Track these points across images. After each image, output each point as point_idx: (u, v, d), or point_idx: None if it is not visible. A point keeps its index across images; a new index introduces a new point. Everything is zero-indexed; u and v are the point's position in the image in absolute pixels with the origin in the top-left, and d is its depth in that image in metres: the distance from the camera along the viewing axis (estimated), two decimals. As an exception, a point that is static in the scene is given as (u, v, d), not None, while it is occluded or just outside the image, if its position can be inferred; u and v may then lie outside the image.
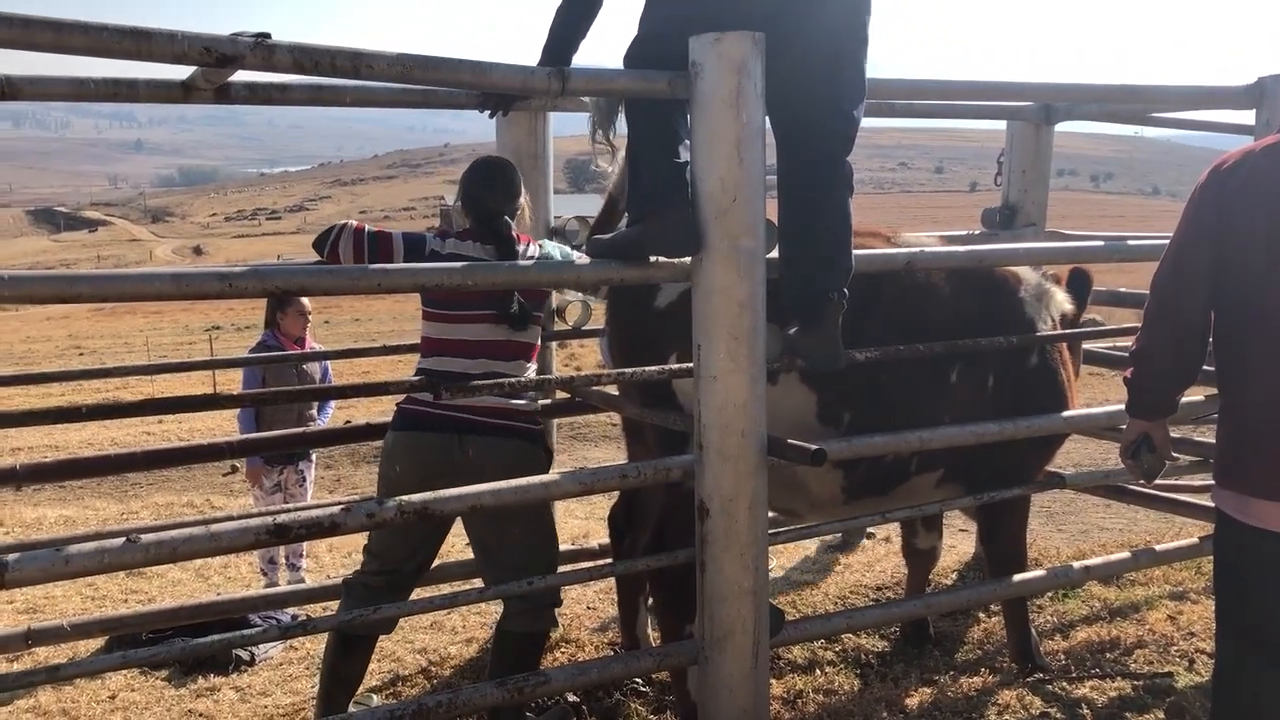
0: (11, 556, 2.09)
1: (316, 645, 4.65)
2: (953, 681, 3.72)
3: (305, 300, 5.93)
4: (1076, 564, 3.84)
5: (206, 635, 3.90)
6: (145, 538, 2.25)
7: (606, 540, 4.12)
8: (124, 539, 2.22)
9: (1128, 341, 5.44)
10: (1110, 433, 5.05)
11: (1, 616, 5.53)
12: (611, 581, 4.36)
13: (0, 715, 4.03)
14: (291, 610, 4.81)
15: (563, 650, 4.18)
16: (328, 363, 6.23)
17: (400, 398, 3.33)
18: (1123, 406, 2.83)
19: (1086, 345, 4.74)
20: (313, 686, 4.18)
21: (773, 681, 3.65)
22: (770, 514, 3.00)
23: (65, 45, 2.04)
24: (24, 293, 2.11)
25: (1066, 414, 3.61)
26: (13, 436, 13.65)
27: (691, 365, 2.76)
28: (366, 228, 3.16)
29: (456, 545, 6.52)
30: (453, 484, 2.70)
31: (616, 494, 4.02)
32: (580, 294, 3.85)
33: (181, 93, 2.99)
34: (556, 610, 3.39)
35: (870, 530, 5.83)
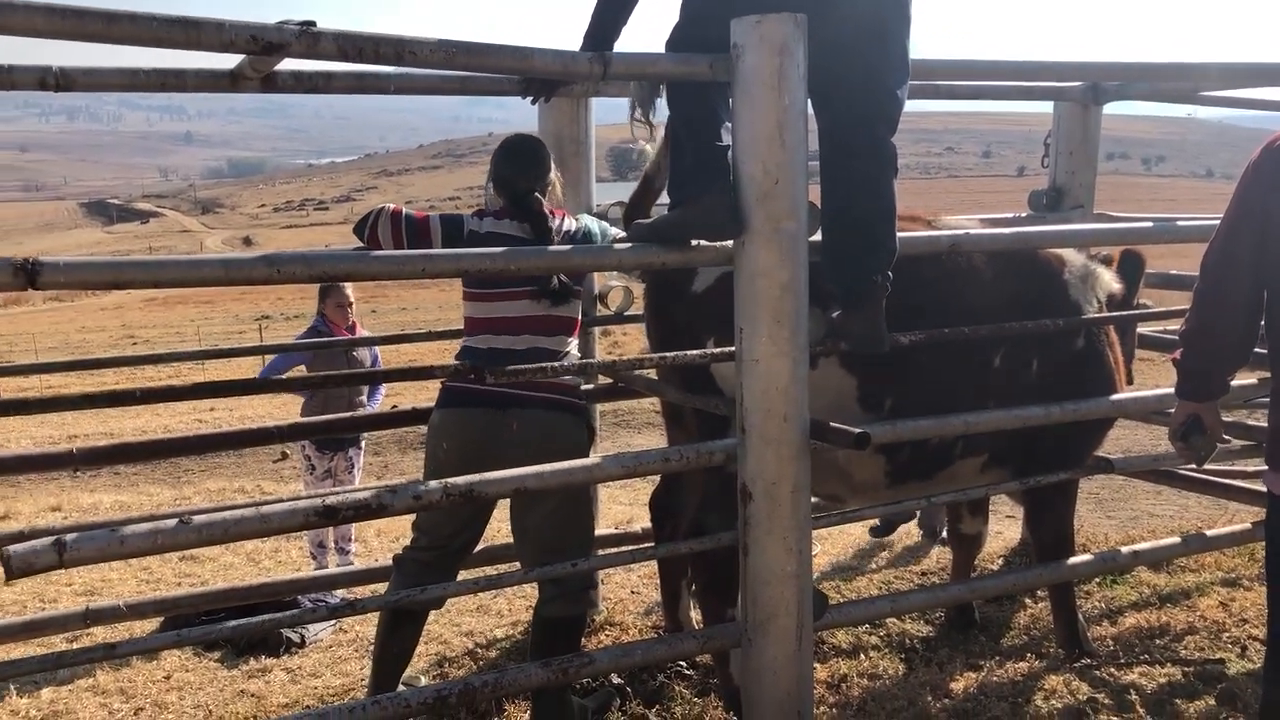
0: (70, 536, 2.15)
1: (365, 628, 4.72)
2: (998, 666, 3.70)
3: (347, 290, 5.99)
4: (1125, 549, 3.79)
5: (258, 617, 3.99)
6: (197, 519, 2.29)
7: (650, 525, 4.13)
8: (177, 520, 2.27)
9: (1178, 325, 5.37)
10: (1160, 417, 4.99)
11: (60, 598, 5.67)
12: (655, 565, 4.38)
13: (61, 694, 4.14)
14: (340, 592, 4.88)
15: (607, 633, 4.21)
16: (378, 350, 6.29)
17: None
18: (1172, 389, 2.79)
19: (1139, 329, 4.67)
20: (362, 668, 4.25)
21: (816, 665, 3.65)
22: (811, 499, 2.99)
23: (115, 35, 2.08)
24: (77, 278, 2.15)
25: (1114, 398, 3.56)
26: (69, 424, 13.98)
27: (732, 349, 2.76)
28: (404, 211, 3.19)
29: (502, 530, 6.59)
30: (499, 458, 2.72)
31: (659, 478, 4.02)
32: (622, 278, 3.85)
33: (229, 82, 3.03)
34: (598, 593, 3.39)
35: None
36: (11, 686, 4.10)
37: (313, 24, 2.27)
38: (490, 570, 3.90)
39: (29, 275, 2.04)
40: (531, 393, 3.19)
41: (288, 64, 2.81)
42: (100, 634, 4.39)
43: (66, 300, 49.27)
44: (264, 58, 2.60)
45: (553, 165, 3.37)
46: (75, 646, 4.41)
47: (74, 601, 5.55)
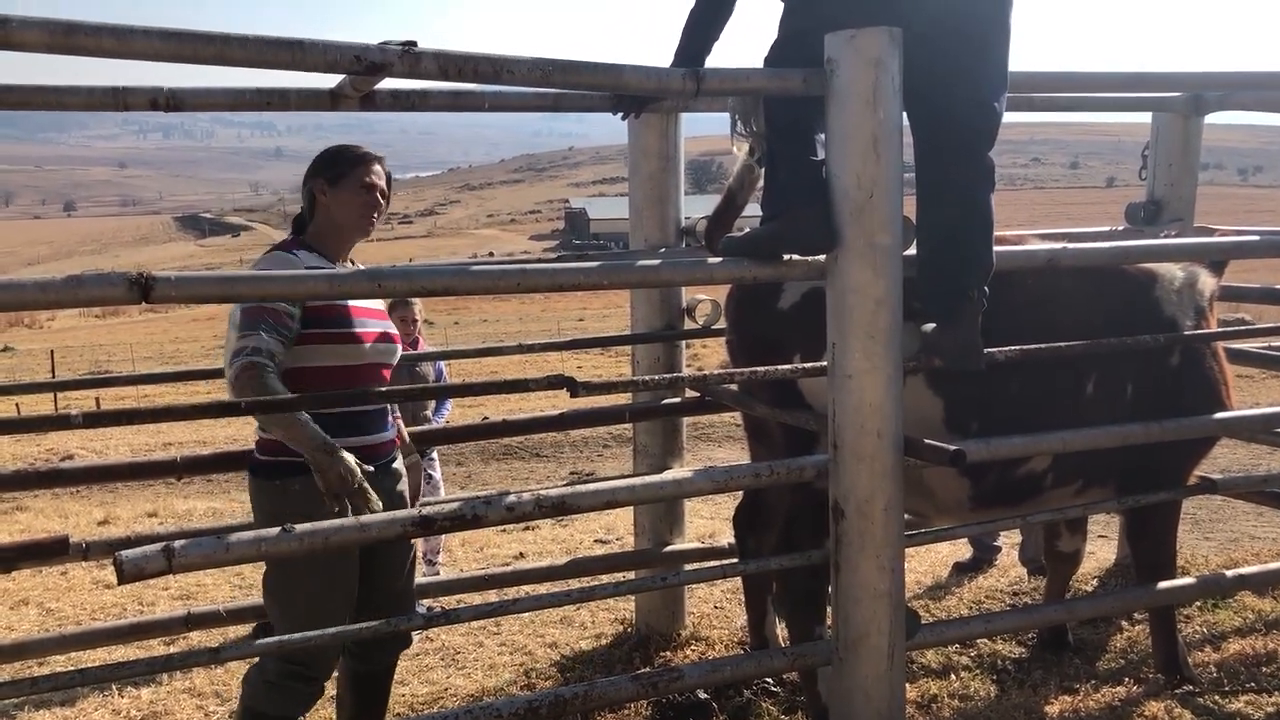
0: (178, 543, 2.20)
1: (451, 637, 4.77)
2: (1094, 690, 3.61)
3: (414, 308, 6.02)
4: (1230, 572, 3.66)
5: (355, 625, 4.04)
6: (298, 528, 2.34)
7: (734, 540, 4.11)
8: (279, 529, 2.32)
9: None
10: (1266, 436, 4.82)
11: (159, 602, 5.83)
12: (738, 580, 4.36)
13: (159, 694, 4.25)
14: (427, 602, 4.93)
15: (693, 648, 4.20)
16: (442, 363, 6.36)
17: None
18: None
19: (1239, 345, 4.53)
20: (448, 676, 4.30)
21: (906, 685, 3.59)
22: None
23: (227, 58, 2.15)
24: (188, 292, 2.21)
25: (1219, 416, 3.43)
26: (164, 432, 14.40)
27: (824, 364, 2.74)
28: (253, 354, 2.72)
29: (552, 550, 6.64)
30: None
31: (741, 494, 4.00)
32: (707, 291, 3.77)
33: (329, 101, 3.10)
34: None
35: None
36: (113, 687, 4.23)
37: (414, 44, 2.32)
38: (574, 584, 3.92)
39: (143, 289, 2.10)
40: (254, 453, 2.97)
41: (385, 83, 2.87)
42: (196, 638, 4.50)
43: (160, 312, 50.77)
44: (366, 77, 2.66)
45: (327, 173, 2.98)
46: (173, 649, 4.55)
47: (171, 605, 5.70)
